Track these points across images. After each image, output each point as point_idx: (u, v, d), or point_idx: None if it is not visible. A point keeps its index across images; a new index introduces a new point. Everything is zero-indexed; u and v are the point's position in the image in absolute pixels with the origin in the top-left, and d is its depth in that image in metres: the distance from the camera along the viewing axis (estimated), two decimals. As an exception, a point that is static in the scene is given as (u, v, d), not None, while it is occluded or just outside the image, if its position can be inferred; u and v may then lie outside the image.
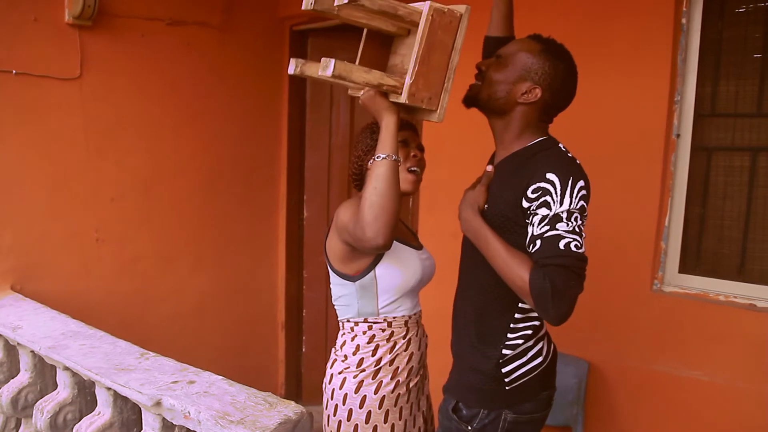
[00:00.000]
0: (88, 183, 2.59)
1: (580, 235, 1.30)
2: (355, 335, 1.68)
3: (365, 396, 1.65)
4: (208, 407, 1.37)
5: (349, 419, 1.65)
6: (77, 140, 2.54)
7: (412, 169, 1.68)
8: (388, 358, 1.66)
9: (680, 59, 2.24)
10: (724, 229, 2.27)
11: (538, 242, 1.29)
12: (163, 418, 1.47)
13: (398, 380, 1.67)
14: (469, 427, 1.48)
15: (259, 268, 3.45)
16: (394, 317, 1.68)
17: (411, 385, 1.71)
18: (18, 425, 2.09)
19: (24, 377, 1.96)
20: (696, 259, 2.33)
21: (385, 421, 1.65)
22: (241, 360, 3.37)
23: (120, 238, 2.72)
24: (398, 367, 1.68)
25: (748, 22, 2.19)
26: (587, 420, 2.45)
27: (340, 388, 1.67)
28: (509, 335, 1.47)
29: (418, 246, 1.78)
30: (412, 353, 1.71)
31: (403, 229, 1.80)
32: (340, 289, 1.70)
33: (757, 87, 2.18)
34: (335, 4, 1.25)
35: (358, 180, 1.75)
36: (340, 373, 1.68)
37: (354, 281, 1.65)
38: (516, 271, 1.30)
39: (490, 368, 1.46)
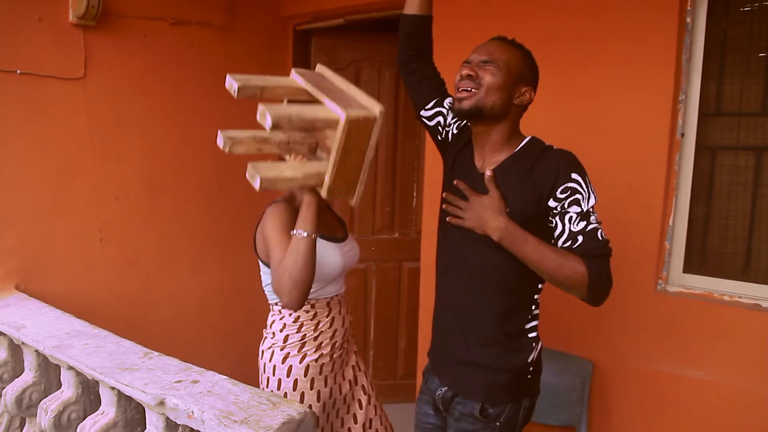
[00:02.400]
0: (92, 183, 2.59)
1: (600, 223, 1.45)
2: (283, 316, 1.83)
3: (291, 366, 1.80)
4: (212, 407, 1.38)
5: (279, 388, 1.81)
6: (81, 140, 2.54)
7: None
8: (312, 335, 1.81)
9: (684, 58, 2.23)
10: (729, 229, 2.27)
11: (580, 237, 1.41)
12: (167, 418, 1.47)
13: (322, 352, 1.82)
14: (497, 423, 1.56)
15: (263, 267, 3.45)
16: (317, 299, 1.81)
17: (335, 356, 1.86)
18: (22, 424, 2.10)
19: (28, 376, 1.96)
20: (700, 258, 2.32)
21: (311, 388, 1.80)
22: (244, 359, 3.37)
23: (123, 238, 2.73)
24: (322, 342, 1.82)
25: (753, 21, 2.18)
26: (591, 420, 2.44)
27: (270, 361, 1.84)
28: (527, 326, 1.57)
29: (342, 237, 1.90)
30: (336, 330, 1.85)
31: (330, 222, 1.92)
32: (267, 278, 1.84)
33: (762, 86, 2.17)
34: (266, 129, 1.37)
35: None
36: (269, 348, 1.85)
37: None
38: (572, 266, 1.39)
39: (521, 364, 1.55)
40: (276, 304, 1.86)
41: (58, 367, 1.89)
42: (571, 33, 2.42)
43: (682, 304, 2.26)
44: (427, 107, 1.75)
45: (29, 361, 1.96)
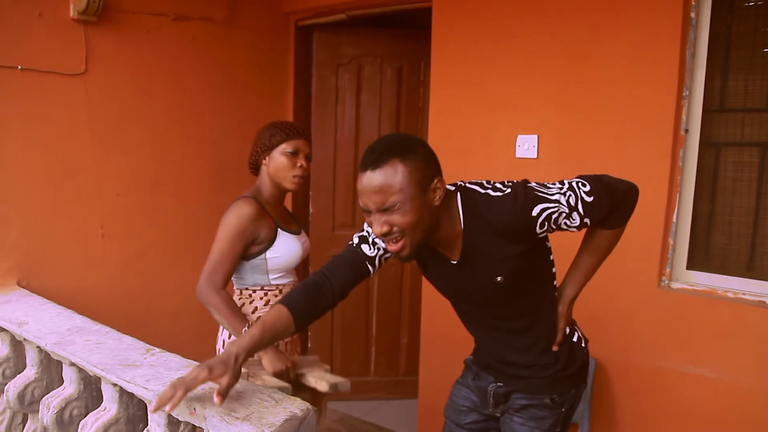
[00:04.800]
0: (94, 179, 2.59)
1: (562, 183, 1.44)
2: (253, 300, 1.99)
3: None
4: (214, 403, 1.37)
5: None
6: (82, 136, 2.53)
7: (296, 175, 1.98)
8: None
9: (689, 54, 2.22)
10: (733, 225, 2.25)
11: (587, 220, 1.44)
12: (169, 414, 1.46)
13: None
14: (563, 409, 1.63)
15: (265, 263, 3.44)
16: (284, 284, 2.01)
17: (293, 337, 2.06)
18: (24, 420, 2.10)
19: (30, 372, 1.96)
20: (704, 255, 2.31)
21: None
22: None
23: (125, 234, 2.72)
24: None
25: (757, 16, 2.17)
26: (593, 417, 2.44)
27: None
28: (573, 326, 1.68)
29: (297, 231, 2.07)
30: None
31: (286, 216, 2.09)
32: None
33: (767, 82, 2.15)
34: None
35: (253, 169, 2.09)
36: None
37: (246, 260, 1.95)
38: (610, 241, 1.55)
39: (580, 354, 1.65)
40: (246, 288, 2.00)
41: (60, 364, 1.88)
42: (574, 28, 2.40)
43: (686, 301, 2.25)
44: (371, 275, 1.58)
45: (31, 357, 1.96)
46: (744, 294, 2.16)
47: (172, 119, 2.87)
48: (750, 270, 2.21)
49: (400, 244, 1.38)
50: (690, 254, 2.31)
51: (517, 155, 2.58)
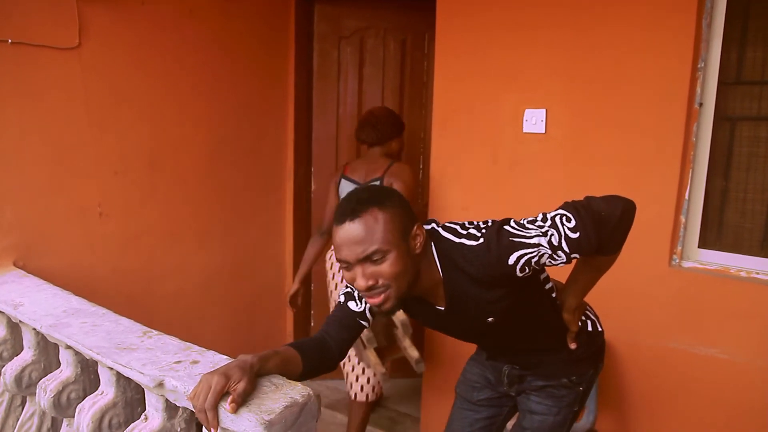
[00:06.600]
0: (90, 156, 2.52)
1: (544, 218, 1.34)
2: None
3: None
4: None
5: (336, 289, 2.61)
6: (78, 112, 2.46)
7: None
8: None
9: (705, 23, 2.13)
10: (747, 203, 2.19)
11: (575, 255, 1.33)
12: (166, 399, 1.43)
13: None
14: (581, 388, 1.68)
15: (266, 242, 3.40)
16: None
17: None
18: (24, 403, 2.07)
19: (27, 355, 1.93)
20: (717, 233, 2.25)
21: None
22: (249, 336, 3.35)
23: (124, 213, 2.67)
24: None
25: (778, -16, 2.08)
26: (601, 396, 2.40)
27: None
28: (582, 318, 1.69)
29: None
30: None
31: None
32: None
33: (786, 53, 2.07)
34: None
35: (377, 142, 2.75)
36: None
37: None
38: (608, 265, 1.48)
39: (596, 335, 1.71)
40: None
41: (57, 346, 1.84)
42: (585, -3, 2.32)
43: (697, 280, 2.20)
44: (368, 326, 1.55)
45: (28, 340, 1.93)
46: (757, 273, 2.11)
47: (169, 95, 2.79)
48: (764, 249, 2.16)
49: (382, 296, 1.34)
50: (702, 232, 2.25)
51: (525, 130, 2.51)
